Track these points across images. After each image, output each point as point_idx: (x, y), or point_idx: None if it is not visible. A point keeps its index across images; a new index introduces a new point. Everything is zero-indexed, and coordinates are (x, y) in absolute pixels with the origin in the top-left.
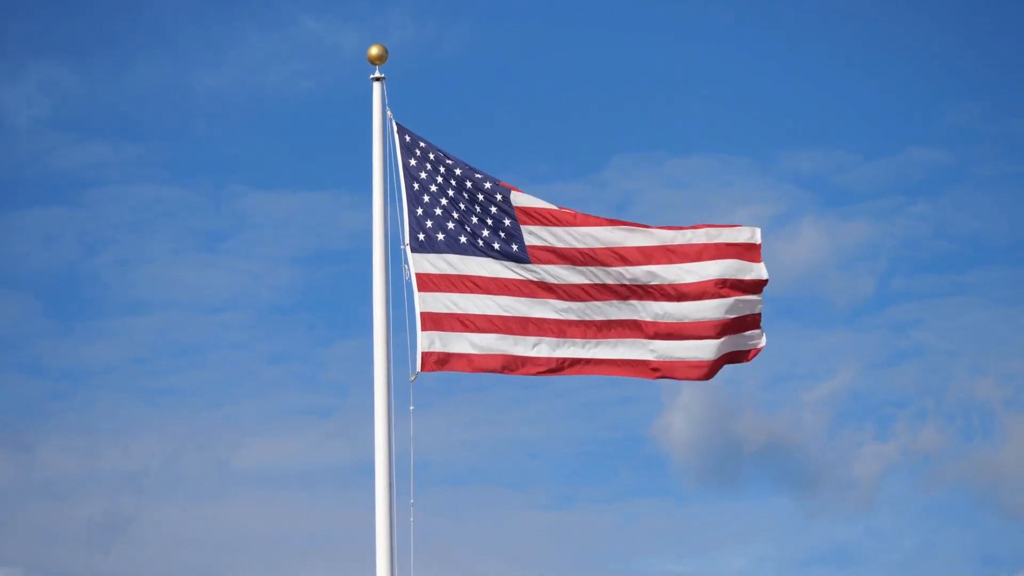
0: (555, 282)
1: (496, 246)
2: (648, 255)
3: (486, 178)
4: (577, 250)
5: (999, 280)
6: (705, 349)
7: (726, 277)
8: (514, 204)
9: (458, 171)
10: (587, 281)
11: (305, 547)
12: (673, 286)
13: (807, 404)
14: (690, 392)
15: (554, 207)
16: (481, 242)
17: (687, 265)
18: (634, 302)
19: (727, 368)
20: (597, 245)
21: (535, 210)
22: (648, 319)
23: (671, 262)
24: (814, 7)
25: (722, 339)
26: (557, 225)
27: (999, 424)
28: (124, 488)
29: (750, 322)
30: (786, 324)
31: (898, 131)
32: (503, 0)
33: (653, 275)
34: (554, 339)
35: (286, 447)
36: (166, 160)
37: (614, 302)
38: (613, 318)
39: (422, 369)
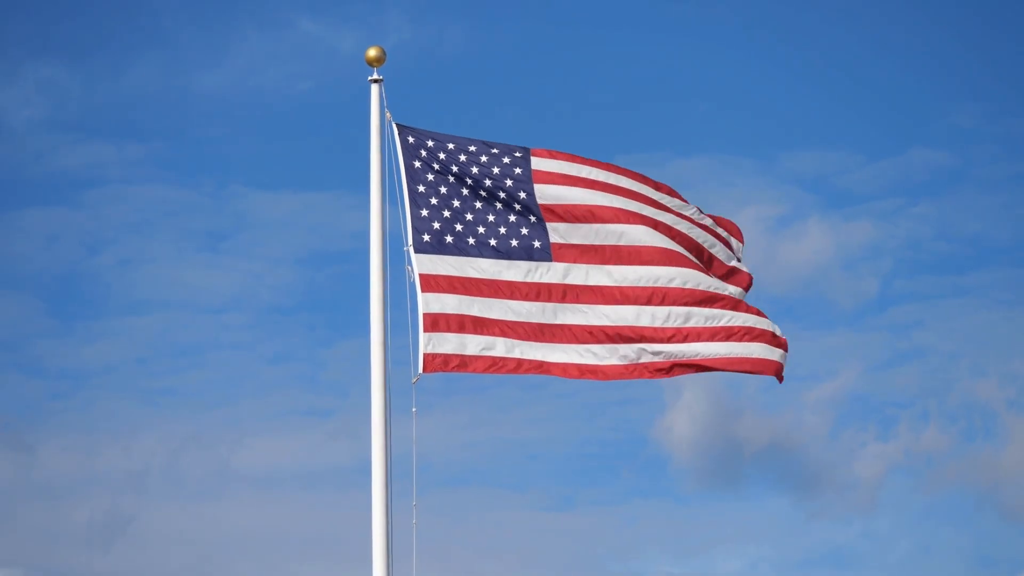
0: (575, 283)
1: (514, 243)
2: (671, 258)
3: (505, 168)
4: (600, 247)
5: (1001, 281)
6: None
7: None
8: (533, 169)
9: (475, 169)
10: (611, 283)
11: (305, 547)
12: (691, 291)
13: (809, 405)
14: (692, 393)
15: (578, 169)
16: (495, 241)
17: (708, 278)
18: (653, 308)
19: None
20: (622, 243)
21: (557, 206)
22: (661, 324)
23: (693, 268)
24: (817, 8)
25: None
26: (583, 221)
27: (1001, 425)
28: (124, 488)
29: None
30: (787, 325)
31: (901, 132)
32: (501, 1)
33: (674, 279)
34: (562, 344)
35: (287, 448)
36: (167, 160)
37: (633, 307)
38: (630, 323)
39: (424, 371)
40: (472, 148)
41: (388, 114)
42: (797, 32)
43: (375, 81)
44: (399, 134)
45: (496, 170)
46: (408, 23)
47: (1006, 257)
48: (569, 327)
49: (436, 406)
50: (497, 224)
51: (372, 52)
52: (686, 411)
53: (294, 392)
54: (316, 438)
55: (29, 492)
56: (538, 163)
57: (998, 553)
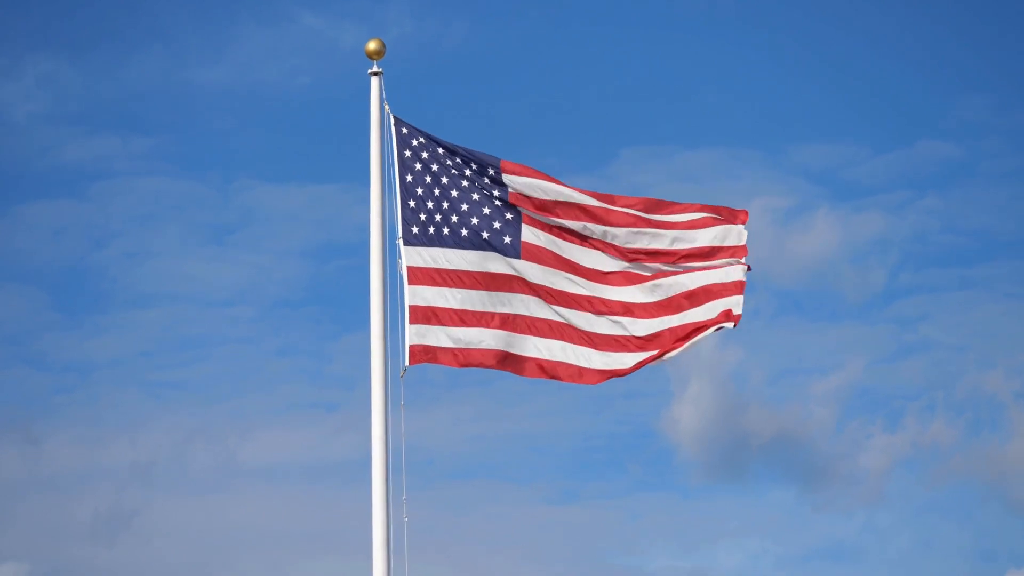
0: (541, 283)
1: (485, 236)
2: (642, 227)
3: (482, 167)
4: (567, 261)
5: (1008, 274)
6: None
7: (715, 245)
8: (507, 186)
9: (451, 165)
10: (578, 291)
11: (311, 541)
12: (665, 253)
13: (815, 397)
14: (698, 385)
15: (545, 185)
16: (466, 232)
17: (678, 232)
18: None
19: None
20: (592, 235)
21: (528, 198)
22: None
23: (664, 228)
24: (824, 0)
25: (699, 307)
26: (553, 233)
27: (1008, 418)
28: (130, 481)
29: (732, 288)
30: (794, 318)
31: (908, 125)
32: None
33: (646, 240)
34: (540, 338)
35: (293, 441)
36: (173, 154)
37: (597, 315)
38: (597, 330)
39: (409, 362)
40: (458, 155)
41: (387, 107)
42: (804, 25)
43: (375, 74)
44: (395, 126)
45: (475, 167)
46: (409, 17)
47: (1013, 250)
48: (547, 322)
49: (441, 399)
50: (471, 214)
51: (371, 45)
52: (692, 404)
53: (300, 385)
54: (322, 431)
55: (35, 485)
56: (507, 165)
57: (1000, 547)
